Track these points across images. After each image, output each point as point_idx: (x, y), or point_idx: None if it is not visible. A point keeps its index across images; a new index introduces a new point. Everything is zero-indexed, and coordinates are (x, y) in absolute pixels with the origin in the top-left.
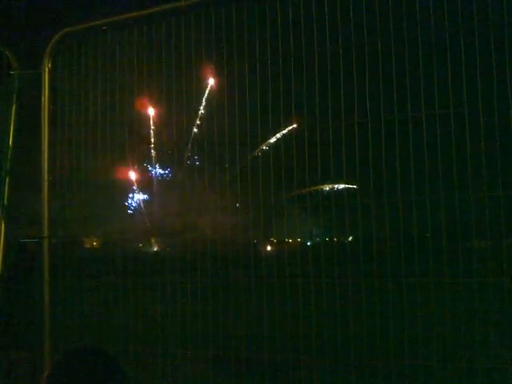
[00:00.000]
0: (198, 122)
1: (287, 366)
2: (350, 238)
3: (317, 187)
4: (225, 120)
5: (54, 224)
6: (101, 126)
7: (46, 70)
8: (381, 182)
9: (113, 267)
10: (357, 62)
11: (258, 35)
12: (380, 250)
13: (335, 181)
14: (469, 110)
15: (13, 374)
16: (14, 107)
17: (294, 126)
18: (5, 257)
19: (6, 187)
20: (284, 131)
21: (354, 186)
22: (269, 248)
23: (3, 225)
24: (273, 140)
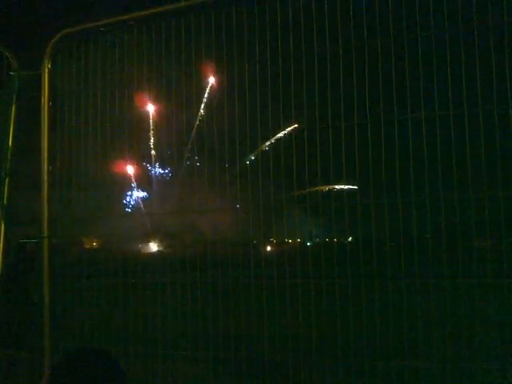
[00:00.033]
0: (198, 123)
1: (288, 367)
2: (350, 239)
3: (316, 188)
4: (224, 120)
5: (53, 224)
6: (100, 127)
7: (46, 70)
8: (380, 183)
9: (113, 267)
10: (356, 62)
11: (258, 36)
12: (380, 251)
13: (335, 181)
14: (468, 110)
15: (13, 374)
16: (13, 108)
17: (295, 126)
18: (5, 257)
19: (6, 187)
20: (284, 132)
21: (354, 187)
22: (269, 248)
23: (3, 225)
24: (272, 140)
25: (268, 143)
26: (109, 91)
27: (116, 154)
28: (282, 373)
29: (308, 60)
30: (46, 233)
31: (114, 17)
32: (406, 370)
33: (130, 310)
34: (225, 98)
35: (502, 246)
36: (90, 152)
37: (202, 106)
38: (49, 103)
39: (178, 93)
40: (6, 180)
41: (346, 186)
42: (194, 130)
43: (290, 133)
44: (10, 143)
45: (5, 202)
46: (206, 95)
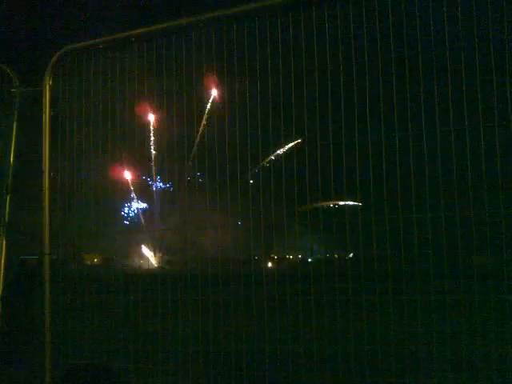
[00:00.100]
0: (199, 138)
1: (287, 382)
2: (351, 255)
3: (317, 204)
4: (225, 136)
5: (54, 241)
6: (102, 143)
7: (47, 87)
8: (381, 199)
9: (113, 284)
10: (357, 77)
11: (259, 52)
12: (381, 267)
13: (336, 197)
14: (469, 126)
15: None
16: (15, 124)
17: (297, 142)
18: (6, 273)
19: (7, 204)
20: (286, 147)
21: (356, 203)
22: (270, 264)
23: (4, 241)
24: (273, 157)
25: (269, 159)
26: (109, 107)
27: (117, 169)
28: None
29: (309, 76)
30: (47, 250)
31: (115, 34)
32: None
33: (131, 326)
34: (225, 113)
35: (503, 262)
36: (91, 168)
37: (203, 121)
38: (50, 119)
39: (179, 109)
40: (8, 196)
41: (349, 202)
42: (195, 145)
43: (291, 149)
44: (11, 159)
45: (6, 218)
46: (206, 111)
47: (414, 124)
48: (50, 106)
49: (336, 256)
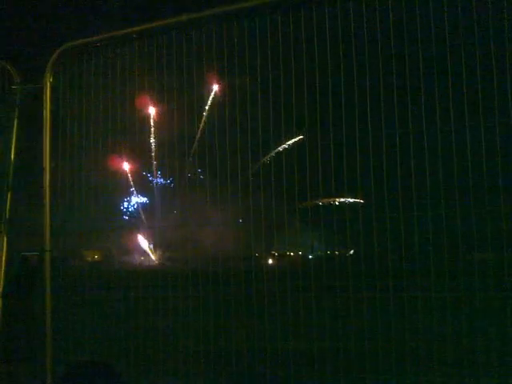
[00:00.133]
0: (199, 135)
1: (288, 381)
2: (352, 252)
3: (318, 201)
4: (226, 133)
5: (55, 237)
6: (102, 139)
7: (48, 83)
8: (382, 196)
9: (114, 280)
10: (357, 75)
11: (259, 49)
12: (382, 264)
13: (337, 194)
14: (470, 125)
15: None
16: (15, 121)
17: (298, 138)
18: (7, 270)
19: (8, 201)
20: (287, 144)
21: (357, 200)
22: (270, 261)
23: (6, 238)
24: (274, 154)
25: (271, 154)
26: (110, 104)
27: (116, 160)
28: None
29: (309, 73)
30: (48, 246)
31: (115, 31)
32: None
33: (132, 323)
34: (226, 110)
35: (504, 259)
36: (91, 165)
37: (204, 118)
38: (50, 116)
39: (180, 105)
40: (9, 193)
41: (350, 200)
42: (196, 142)
43: (291, 146)
44: (12, 157)
45: (7, 215)
46: (207, 108)
47: (414, 122)
48: (51, 103)
49: (336, 253)
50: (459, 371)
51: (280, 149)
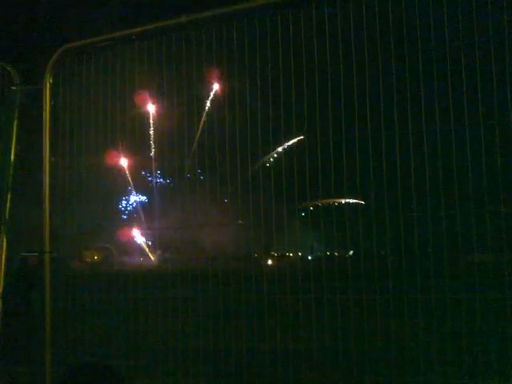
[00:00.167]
0: (199, 135)
1: (288, 382)
2: (351, 252)
3: (318, 202)
4: (226, 134)
5: (55, 238)
6: (102, 140)
7: (48, 84)
8: (382, 197)
9: (115, 281)
10: (357, 75)
11: (259, 49)
12: (381, 265)
13: (336, 195)
14: (469, 125)
15: None
16: (15, 122)
17: (298, 138)
18: (7, 271)
19: (8, 202)
20: (287, 143)
21: (357, 201)
22: (269, 262)
23: (5, 239)
24: (274, 154)
25: (270, 155)
26: (110, 105)
27: (113, 155)
28: None
29: (309, 73)
30: (47, 247)
31: (115, 32)
32: None
33: (131, 324)
34: (225, 112)
35: (504, 260)
36: (91, 166)
37: (203, 118)
38: (50, 117)
39: (179, 106)
40: (8, 195)
41: (351, 200)
42: (196, 142)
43: (291, 147)
44: (12, 158)
45: (7, 216)
46: (207, 108)
47: (414, 122)
48: (51, 104)
49: (336, 254)
50: (458, 372)
51: (280, 149)
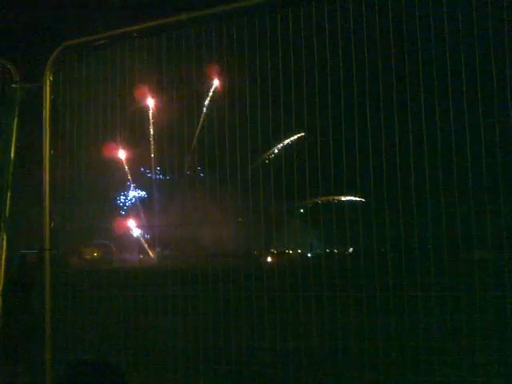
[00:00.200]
0: (199, 132)
1: (288, 381)
2: (351, 250)
3: (318, 199)
4: (225, 131)
5: (55, 235)
6: (102, 138)
7: (48, 82)
8: (382, 194)
9: (114, 279)
10: (357, 74)
11: (259, 47)
12: (381, 263)
13: (336, 192)
14: (469, 123)
15: None
16: (15, 120)
17: (298, 135)
18: (7, 269)
19: (8, 200)
20: (288, 140)
21: (358, 199)
22: (269, 259)
23: (5, 237)
24: (274, 151)
25: (271, 151)
26: (110, 102)
27: (111, 147)
28: None
29: (309, 71)
30: (47, 245)
31: (115, 29)
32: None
33: (131, 321)
34: (225, 110)
35: (504, 258)
36: (91, 163)
37: (203, 116)
38: (50, 115)
39: (179, 103)
40: (8, 192)
41: (351, 198)
42: (196, 138)
43: (291, 144)
44: (12, 155)
45: (7, 214)
46: (206, 105)
47: (414, 121)
48: (51, 102)
49: (335, 251)
50: (458, 371)
51: (279, 147)
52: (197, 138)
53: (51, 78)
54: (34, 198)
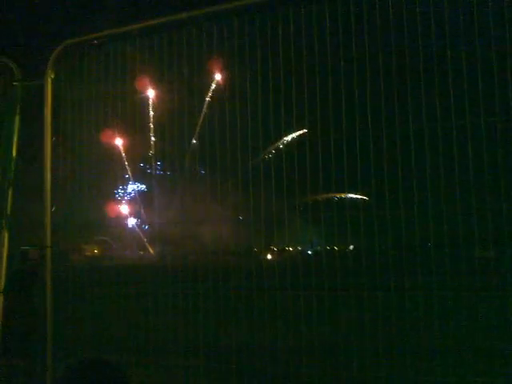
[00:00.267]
0: (199, 130)
1: (289, 379)
2: (351, 247)
3: (318, 196)
4: (226, 129)
5: (55, 232)
6: (102, 135)
7: (49, 80)
8: (383, 193)
9: (114, 276)
10: (357, 73)
11: (260, 46)
12: (382, 261)
13: (337, 190)
14: (470, 123)
15: (14, 382)
16: (17, 118)
17: (300, 132)
18: (8, 265)
19: (10, 197)
20: (288, 137)
21: (361, 197)
22: (269, 256)
23: (7, 234)
24: (274, 149)
25: (274, 147)
26: (111, 100)
27: (117, 162)
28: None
29: (310, 70)
30: (48, 242)
31: (117, 28)
32: (411, 382)
33: (132, 318)
34: (226, 108)
35: (505, 257)
36: (91, 161)
37: (203, 114)
38: (51, 113)
39: (180, 102)
40: (10, 190)
41: (352, 195)
42: (196, 135)
43: (291, 142)
44: (13, 153)
45: (8, 211)
46: (206, 104)
47: (414, 120)
48: (52, 99)
49: (336, 248)
50: (459, 369)
51: (280, 145)
52: (197, 134)
53: (52, 76)
54: (35, 195)
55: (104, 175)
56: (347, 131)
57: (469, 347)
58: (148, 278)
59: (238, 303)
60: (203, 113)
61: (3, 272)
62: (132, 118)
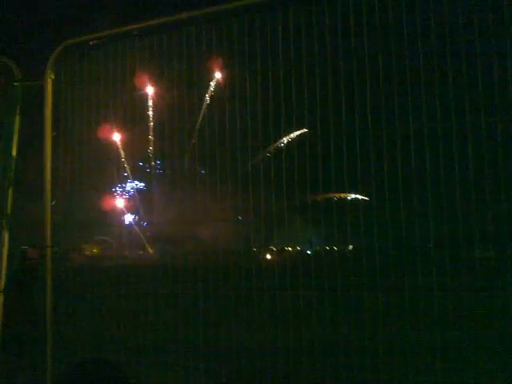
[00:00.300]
0: (199, 127)
1: (288, 380)
2: (351, 247)
3: (318, 197)
4: (226, 129)
5: (55, 232)
6: (103, 135)
7: (49, 80)
8: (383, 192)
9: (114, 276)
10: (357, 73)
11: (259, 45)
12: (382, 261)
13: (337, 191)
14: (470, 123)
15: (15, 382)
16: (17, 118)
17: (300, 131)
18: (9, 265)
19: (10, 197)
20: (289, 136)
21: (357, 196)
22: (268, 256)
23: (7, 234)
24: (274, 148)
25: (274, 146)
26: (110, 100)
27: (116, 162)
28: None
29: (310, 70)
30: (48, 242)
31: (116, 28)
32: (411, 382)
33: (132, 318)
34: (226, 107)
35: (505, 256)
36: (91, 161)
37: (203, 113)
38: (51, 113)
39: (180, 100)
40: (10, 189)
41: (352, 195)
42: (196, 134)
43: (291, 141)
44: (13, 153)
45: (9, 211)
46: (206, 103)
47: (415, 120)
48: (52, 99)
49: (335, 248)
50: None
51: (280, 144)
52: (197, 130)
53: (52, 77)
54: (35, 195)
55: (104, 175)
56: (347, 131)
57: (468, 347)
58: (148, 278)
59: (238, 303)
60: (203, 113)
61: (3, 271)
62: (132, 118)
